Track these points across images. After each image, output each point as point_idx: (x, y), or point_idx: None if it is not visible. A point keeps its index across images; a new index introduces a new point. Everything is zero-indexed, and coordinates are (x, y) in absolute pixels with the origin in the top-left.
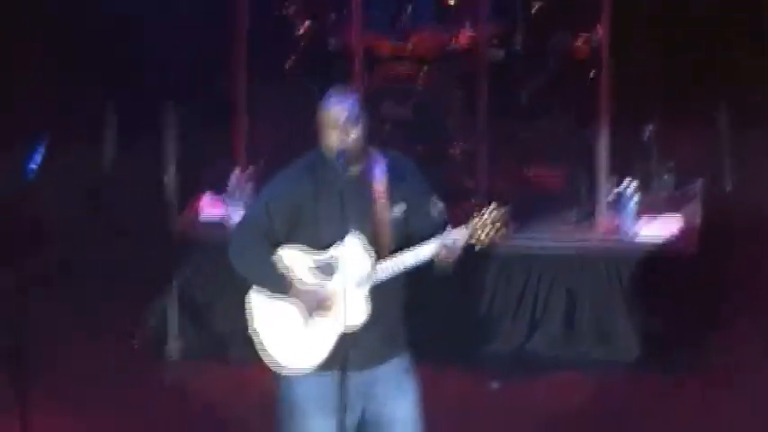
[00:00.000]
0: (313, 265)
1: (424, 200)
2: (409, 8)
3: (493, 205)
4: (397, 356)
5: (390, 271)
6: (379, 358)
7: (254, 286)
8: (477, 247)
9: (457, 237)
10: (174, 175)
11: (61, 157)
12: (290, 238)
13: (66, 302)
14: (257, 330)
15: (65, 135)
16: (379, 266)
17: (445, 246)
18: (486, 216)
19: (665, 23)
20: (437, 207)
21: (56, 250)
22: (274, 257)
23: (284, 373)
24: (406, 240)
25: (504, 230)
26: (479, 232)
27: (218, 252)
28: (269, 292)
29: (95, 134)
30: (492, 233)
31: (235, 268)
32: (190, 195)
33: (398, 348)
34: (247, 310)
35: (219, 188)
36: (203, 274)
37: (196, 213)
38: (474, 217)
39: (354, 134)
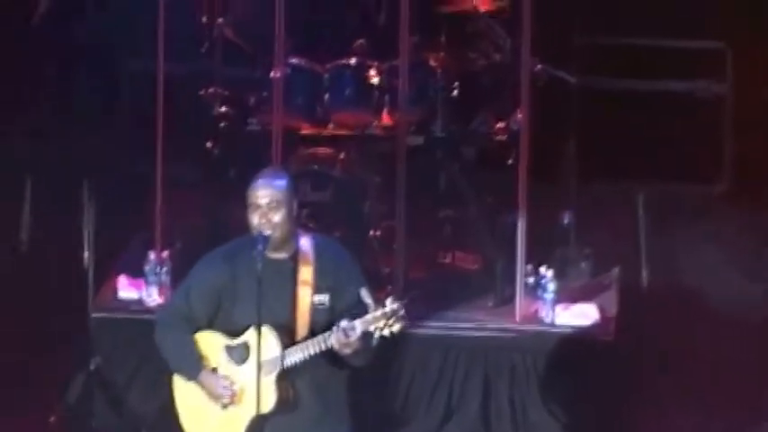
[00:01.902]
0: (226, 351)
1: (350, 291)
2: (330, 89)
3: (389, 300)
4: None
5: (297, 358)
6: None
7: None
8: (374, 338)
9: (352, 330)
10: (92, 253)
11: None
12: (213, 322)
13: None
14: (177, 410)
15: None
16: (286, 353)
17: (343, 337)
18: (380, 311)
19: (583, 108)
20: (364, 300)
21: None
22: (190, 343)
23: None
24: (328, 329)
25: (399, 325)
26: (374, 326)
27: (134, 332)
28: None
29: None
30: (387, 328)
31: (158, 349)
32: (104, 276)
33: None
34: (172, 390)
35: (134, 270)
36: (120, 353)
37: (112, 293)
38: (371, 311)
39: (277, 218)
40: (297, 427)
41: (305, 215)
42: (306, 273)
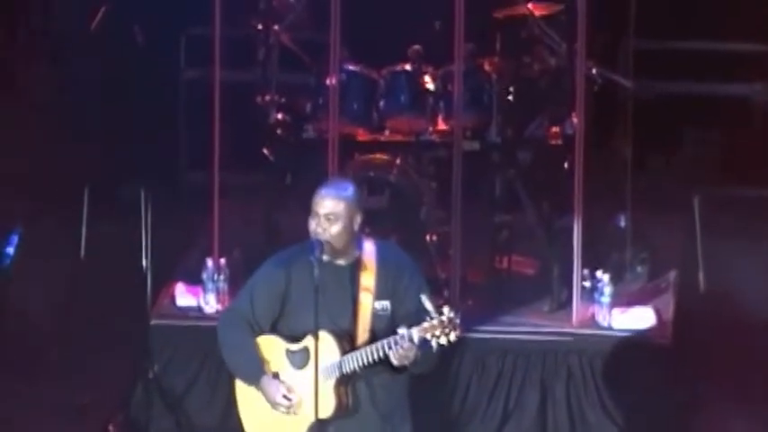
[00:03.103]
0: (286, 355)
1: (411, 297)
2: (385, 96)
3: (445, 308)
4: None
5: (355, 364)
6: None
7: None
8: (434, 346)
9: (409, 340)
10: (149, 261)
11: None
12: (275, 327)
13: (43, 388)
14: (239, 411)
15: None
16: (344, 359)
17: (400, 349)
18: (437, 320)
19: (639, 111)
20: (425, 307)
21: (28, 338)
22: (251, 346)
23: None
24: (390, 335)
25: (455, 333)
26: (430, 334)
27: (193, 339)
28: None
29: (71, 219)
30: (444, 336)
31: (220, 353)
32: (162, 284)
33: None
34: (234, 391)
35: (192, 278)
36: (179, 361)
37: (170, 301)
38: (426, 320)
39: (334, 230)
40: (361, 430)
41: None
42: (367, 279)
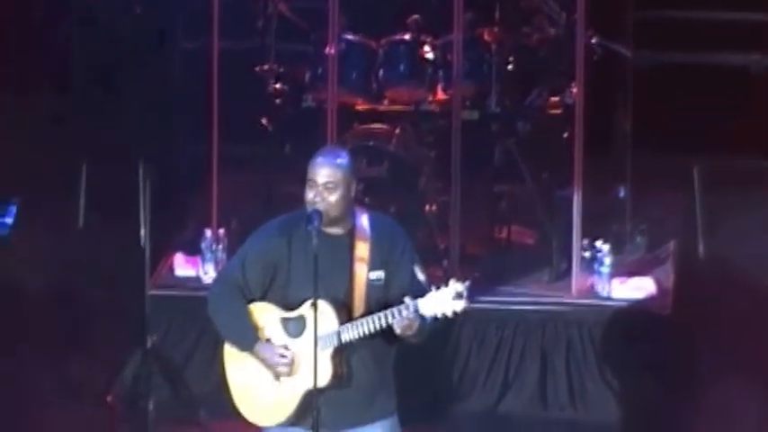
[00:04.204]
0: (281, 323)
1: (404, 268)
2: (384, 65)
3: (452, 281)
4: (378, 420)
5: (353, 334)
6: (355, 419)
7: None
8: (429, 317)
9: (414, 311)
10: (148, 232)
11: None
12: (266, 295)
13: (40, 359)
14: (228, 385)
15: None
16: (342, 329)
17: (405, 320)
18: (445, 291)
19: (638, 81)
20: (417, 278)
21: (29, 307)
22: (245, 313)
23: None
24: (383, 306)
25: (462, 306)
26: (438, 307)
27: (191, 309)
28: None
29: (68, 192)
30: (451, 308)
31: (211, 320)
32: (161, 255)
33: (377, 412)
34: (222, 361)
35: (191, 248)
36: (177, 331)
37: (169, 271)
38: (433, 290)
39: (333, 198)
40: (349, 401)
41: (360, 190)
42: (362, 249)
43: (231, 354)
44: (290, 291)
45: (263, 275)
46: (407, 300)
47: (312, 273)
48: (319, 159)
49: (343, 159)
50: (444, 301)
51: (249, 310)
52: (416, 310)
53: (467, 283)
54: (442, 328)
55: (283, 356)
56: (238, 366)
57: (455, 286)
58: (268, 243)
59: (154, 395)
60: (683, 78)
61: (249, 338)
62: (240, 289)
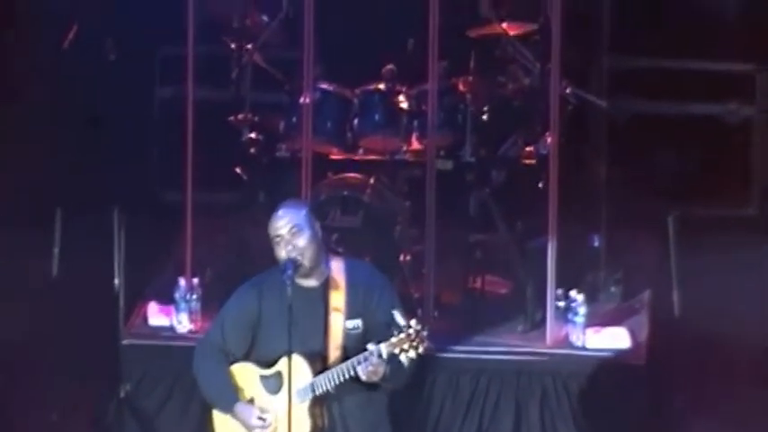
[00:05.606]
0: (261, 382)
1: (382, 313)
2: (359, 115)
3: (413, 321)
4: None
5: (326, 385)
6: None
7: None
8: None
9: (377, 355)
10: (122, 280)
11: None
12: (249, 353)
13: (12, 408)
14: None
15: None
16: (315, 381)
17: (369, 366)
18: (403, 333)
19: (613, 131)
20: (397, 322)
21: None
22: (225, 375)
23: None
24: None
25: (423, 346)
26: (398, 348)
27: (165, 358)
28: None
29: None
30: (412, 349)
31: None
32: (135, 303)
33: None
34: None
35: (165, 297)
36: (151, 380)
37: (143, 320)
38: (394, 336)
39: (303, 241)
40: None
41: (335, 240)
42: (337, 299)
43: (219, 414)
44: (269, 347)
45: (243, 336)
46: (370, 346)
47: (285, 327)
48: (279, 212)
49: (300, 203)
50: (405, 343)
51: (231, 371)
52: (380, 355)
53: (425, 324)
54: (416, 371)
55: (261, 419)
56: (225, 426)
57: (415, 327)
58: (244, 303)
59: None
60: (658, 127)
61: (228, 399)
62: (222, 351)
